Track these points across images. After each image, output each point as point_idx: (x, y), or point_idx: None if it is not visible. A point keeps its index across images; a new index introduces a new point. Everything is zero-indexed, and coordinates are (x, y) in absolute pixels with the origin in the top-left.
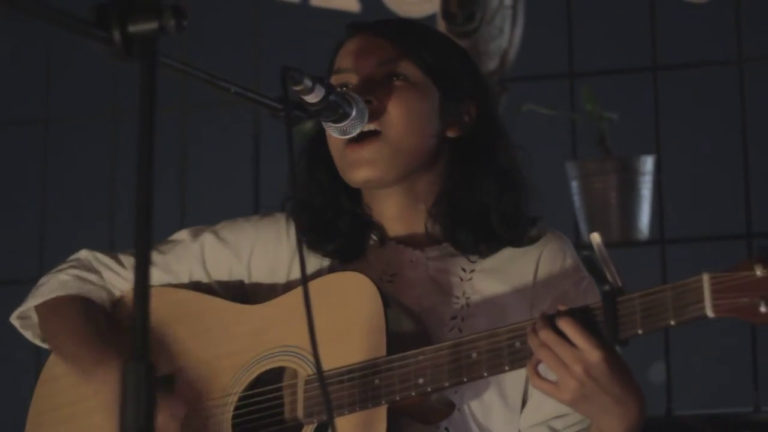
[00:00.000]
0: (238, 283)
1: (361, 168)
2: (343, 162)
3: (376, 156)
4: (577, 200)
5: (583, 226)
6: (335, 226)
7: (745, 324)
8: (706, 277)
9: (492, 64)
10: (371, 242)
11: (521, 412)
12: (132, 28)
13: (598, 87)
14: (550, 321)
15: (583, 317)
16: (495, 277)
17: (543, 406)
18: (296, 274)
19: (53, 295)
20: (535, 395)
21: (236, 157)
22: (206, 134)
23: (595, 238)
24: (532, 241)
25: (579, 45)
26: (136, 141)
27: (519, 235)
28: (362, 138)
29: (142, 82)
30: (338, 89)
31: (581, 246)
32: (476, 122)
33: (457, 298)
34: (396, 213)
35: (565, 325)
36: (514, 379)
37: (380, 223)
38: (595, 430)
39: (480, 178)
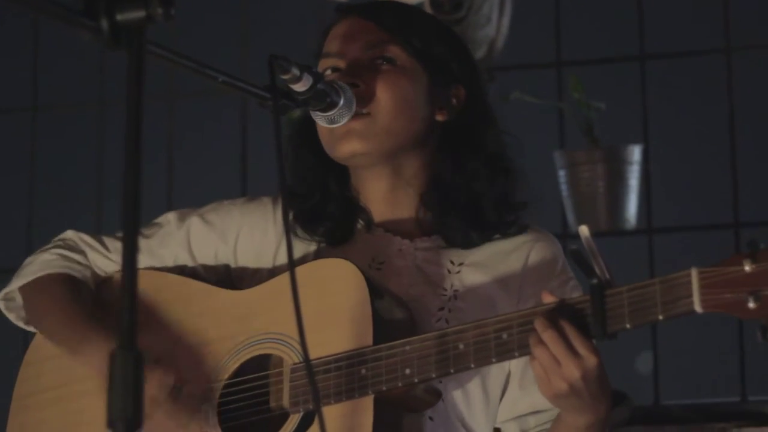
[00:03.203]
0: (224, 267)
1: (350, 140)
2: (332, 136)
3: (366, 129)
4: (564, 189)
5: (570, 216)
6: (323, 210)
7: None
8: (694, 272)
9: (480, 53)
10: (358, 226)
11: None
12: (119, 17)
13: (586, 76)
14: (550, 320)
15: (572, 313)
16: (483, 271)
17: (519, 402)
18: (282, 258)
19: (37, 275)
20: (511, 391)
21: (224, 145)
22: (194, 123)
23: (584, 231)
24: (520, 230)
25: (566, 34)
26: (124, 129)
27: (509, 221)
28: (353, 117)
29: (129, 71)
30: (326, 74)
31: (569, 235)
32: (465, 105)
33: (445, 290)
34: (384, 195)
35: (567, 327)
36: (497, 374)
37: (367, 207)
38: (564, 423)
39: (469, 163)
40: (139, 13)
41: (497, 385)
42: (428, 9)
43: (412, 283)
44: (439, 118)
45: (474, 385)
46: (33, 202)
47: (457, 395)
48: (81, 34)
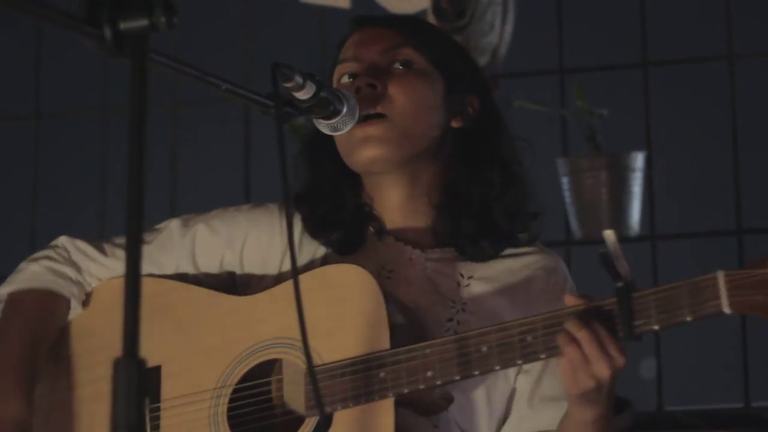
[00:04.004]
0: (228, 274)
1: (369, 145)
2: (350, 143)
3: (384, 134)
4: (567, 196)
5: (573, 223)
6: (337, 216)
7: (736, 319)
8: (720, 275)
9: (483, 60)
10: (371, 234)
11: (502, 426)
12: (123, 25)
13: (589, 83)
14: (583, 321)
15: (601, 315)
16: (492, 286)
17: (523, 422)
18: (289, 265)
19: (21, 287)
20: (519, 410)
21: (227, 153)
22: (197, 131)
23: (610, 235)
24: (530, 242)
25: (569, 41)
26: (127, 137)
27: (520, 230)
28: (369, 118)
29: (133, 79)
30: (342, 81)
31: (572, 242)
32: (479, 115)
33: (453, 302)
34: (398, 203)
35: (599, 328)
36: (503, 388)
37: (380, 216)
38: (573, 419)
39: (483, 170)
40: (142, 22)
41: (501, 400)
42: (431, 17)
43: (421, 292)
44: (455, 124)
45: (479, 397)
46: (36, 209)
47: (461, 404)
48: (84, 42)
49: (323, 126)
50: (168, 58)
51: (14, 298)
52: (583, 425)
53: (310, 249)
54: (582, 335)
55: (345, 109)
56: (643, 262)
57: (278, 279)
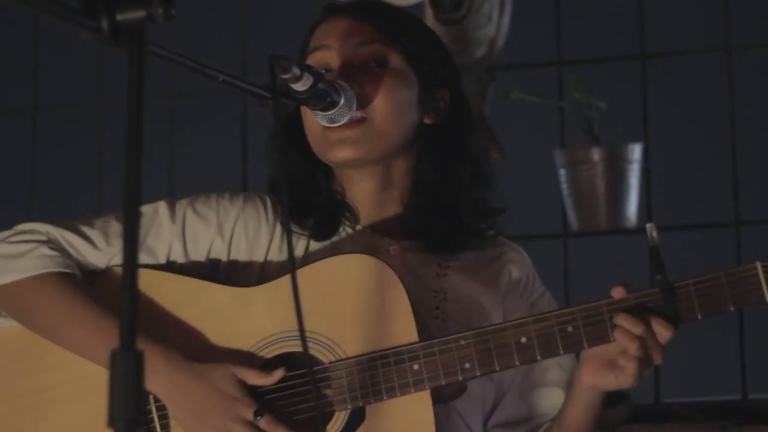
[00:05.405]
0: (211, 262)
1: (344, 147)
2: (324, 142)
3: (361, 137)
4: (564, 188)
5: (571, 215)
6: (312, 203)
7: (733, 312)
8: (759, 265)
9: (480, 52)
10: (345, 225)
11: (491, 413)
12: (120, 17)
13: (586, 75)
14: (636, 317)
15: (647, 306)
16: (469, 275)
17: (513, 408)
18: (274, 255)
19: (39, 272)
20: (510, 398)
21: (224, 145)
22: (194, 123)
23: (651, 228)
24: (494, 236)
25: (567, 33)
26: (125, 130)
27: (487, 225)
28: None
29: (130, 71)
30: (323, 72)
31: (569, 234)
32: (449, 108)
33: (435, 291)
34: (369, 196)
35: (655, 321)
36: (494, 377)
37: (354, 206)
38: (592, 403)
39: (452, 167)
40: (140, 13)
41: (490, 391)
42: (428, 9)
43: (405, 284)
44: (427, 121)
45: (476, 385)
46: (33, 202)
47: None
48: (81, 34)
49: (320, 117)
50: (165, 49)
51: (44, 279)
52: (596, 411)
53: (294, 236)
54: (639, 331)
55: (342, 101)
56: (640, 255)
57: (264, 269)
